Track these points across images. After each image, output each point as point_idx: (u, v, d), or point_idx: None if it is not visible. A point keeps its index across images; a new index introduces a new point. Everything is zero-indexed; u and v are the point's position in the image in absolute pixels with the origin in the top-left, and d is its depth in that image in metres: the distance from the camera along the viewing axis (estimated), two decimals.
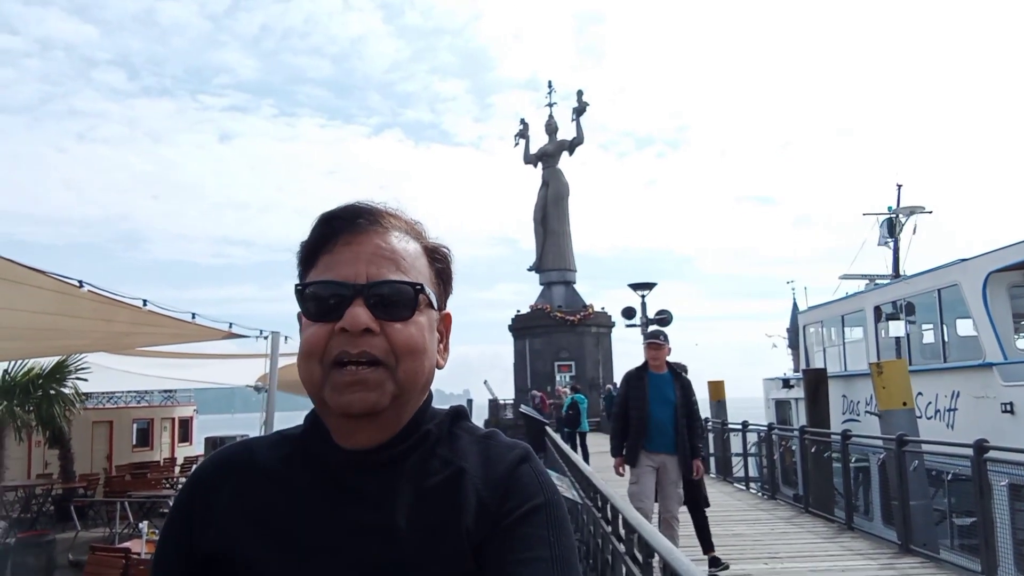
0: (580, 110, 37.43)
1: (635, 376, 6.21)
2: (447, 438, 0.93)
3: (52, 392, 13.39)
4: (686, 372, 6.72)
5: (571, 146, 37.50)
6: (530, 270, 37.46)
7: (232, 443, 0.99)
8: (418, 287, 0.89)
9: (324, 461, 0.89)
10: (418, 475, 0.89)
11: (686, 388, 6.14)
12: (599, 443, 19.35)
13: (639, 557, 3.76)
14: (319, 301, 0.87)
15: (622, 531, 4.36)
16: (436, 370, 0.93)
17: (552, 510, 0.88)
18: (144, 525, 8.87)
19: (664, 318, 25.06)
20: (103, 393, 20.29)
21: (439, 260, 0.96)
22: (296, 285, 0.90)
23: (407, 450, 0.90)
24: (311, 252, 0.91)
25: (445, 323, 0.97)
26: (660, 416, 5.99)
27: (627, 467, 6.17)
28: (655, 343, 6.16)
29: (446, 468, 0.90)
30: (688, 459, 6.05)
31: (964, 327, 13.09)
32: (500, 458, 0.91)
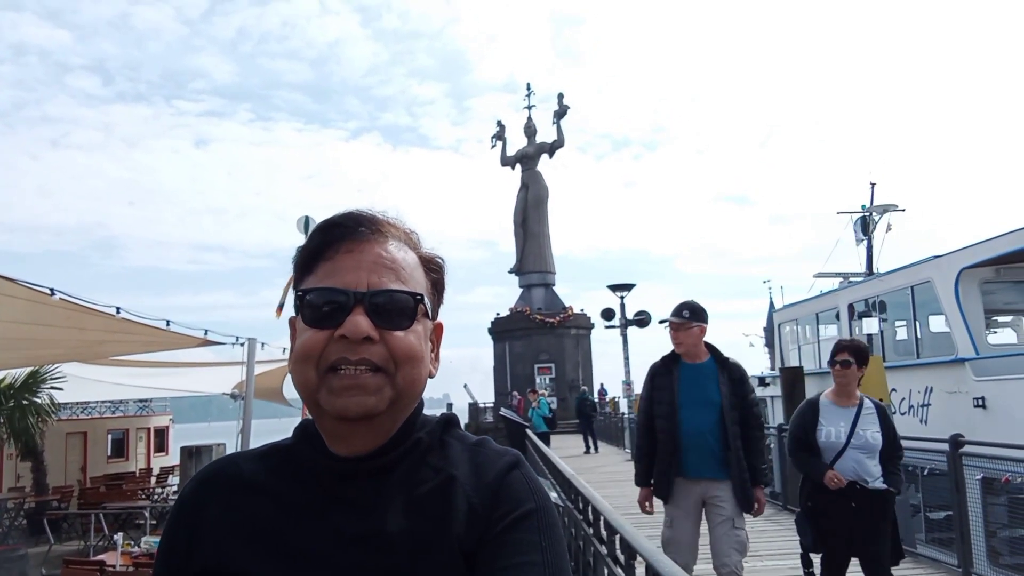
0: (561, 113, 37.66)
1: (661, 369, 4.32)
2: (438, 446, 0.94)
3: (25, 403, 13.11)
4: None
5: (551, 149, 37.65)
6: (510, 273, 37.56)
7: (218, 458, 0.99)
8: (418, 297, 0.90)
9: (314, 471, 0.89)
10: (409, 483, 0.89)
11: (736, 381, 4.22)
12: (572, 444, 19.43)
13: (621, 559, 3.77)
14: (319, 307, 0.87)
15: (603, 532, 4.37)
16: (428, 379, 0.94)
17: (543, 516, 0.88)
18: (119, 537, 8.70)
19: (643, 319, 25.23)
20: (77, 403, 19.95)
21: (434, 271, 0.97)
22: (296, 291, 0.91)
23: (398, 458, 0.90)
24: (311, 258, 0.91)
25: (437, 333, 0.98)
26: (697, 424, 4.12)
27: (655, 500, 4.37)
28: (676, 322, 4.21)
29: (437, 476, 0.90)
30: (747, 487, 4.12)
31: (937, 323, 13.31)
32: (490, 465, 0.91)
